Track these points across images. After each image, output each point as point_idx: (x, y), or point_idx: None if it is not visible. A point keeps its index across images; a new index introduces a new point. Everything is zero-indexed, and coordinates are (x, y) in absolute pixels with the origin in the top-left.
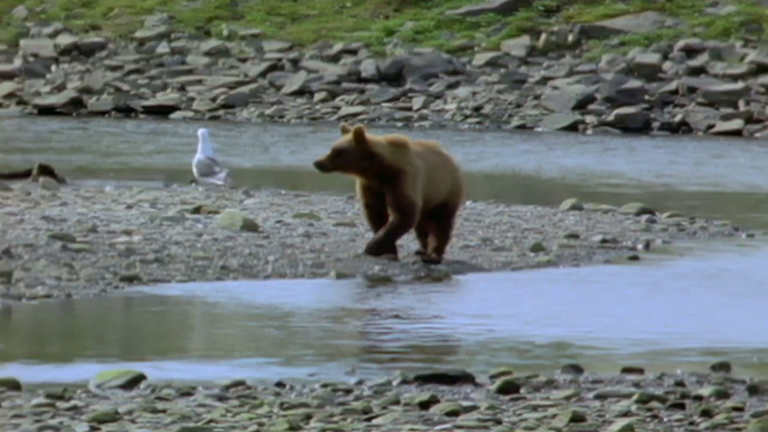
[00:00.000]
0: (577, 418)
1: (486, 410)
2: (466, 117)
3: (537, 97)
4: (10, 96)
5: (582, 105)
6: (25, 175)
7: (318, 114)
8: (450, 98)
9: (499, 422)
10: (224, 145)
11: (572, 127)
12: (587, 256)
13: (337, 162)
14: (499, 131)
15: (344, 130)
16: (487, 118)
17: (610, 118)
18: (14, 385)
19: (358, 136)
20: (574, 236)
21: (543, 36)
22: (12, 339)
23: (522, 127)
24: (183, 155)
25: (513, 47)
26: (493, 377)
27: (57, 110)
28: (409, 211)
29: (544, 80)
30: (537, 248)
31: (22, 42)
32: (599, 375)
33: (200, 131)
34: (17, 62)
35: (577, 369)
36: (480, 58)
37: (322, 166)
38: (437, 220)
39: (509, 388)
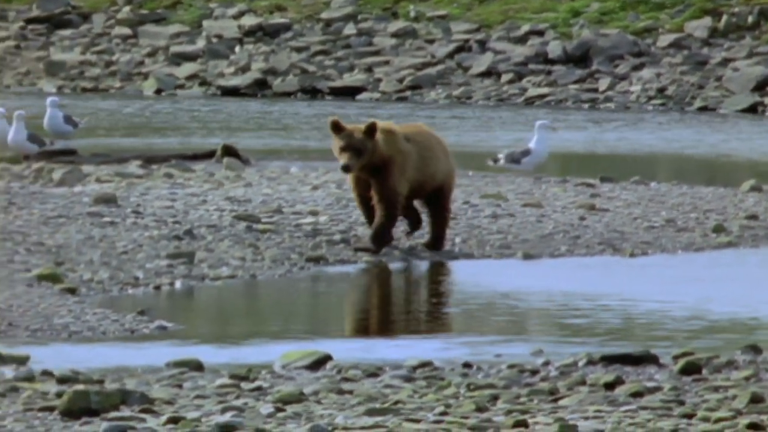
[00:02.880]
0: (755, 399)
1: (669, 391)
2: (650, 99)
3: (718, 79)
4: (192, 77)
5: (761, 86)
6: (208, 156)
7: (505, 95)
8: (635, 80)
9: (682, 403)
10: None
11: (752, 109)
12: (766, 237)
13: (359, 160)
14: (683, 113)
15: (336, 126)
16: (671, 100)
17: None
18: (197, 366)
19: (373, 130)
20: (754, 217)
21: (724, 17)
22: (194, 319)
23: (704, 108)
24: None
25: (695, 29)
26: (675, 358)
27: (241, 91)
28: (393, 202)
29: (725, 62)
30: (718, 229)
31: (205, 23)
32: None
33: (539, 123)
34: (200, 43)
35: (756, 349)
36: (664, 40)
37: (350, 168)
38: (434, 207)
39: (691, 369)
